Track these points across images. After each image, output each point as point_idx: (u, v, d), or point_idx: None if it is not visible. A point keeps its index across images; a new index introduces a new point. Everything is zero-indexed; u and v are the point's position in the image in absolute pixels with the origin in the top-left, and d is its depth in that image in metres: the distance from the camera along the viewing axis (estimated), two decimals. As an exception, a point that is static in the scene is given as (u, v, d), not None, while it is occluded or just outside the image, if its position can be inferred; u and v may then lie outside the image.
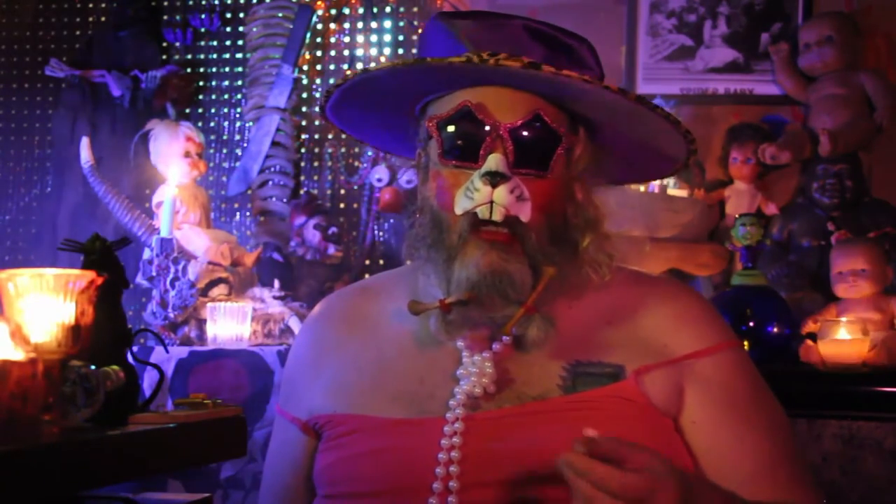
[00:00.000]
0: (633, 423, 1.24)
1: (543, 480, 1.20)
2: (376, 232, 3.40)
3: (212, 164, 3.46)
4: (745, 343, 2.66)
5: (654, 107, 1.30)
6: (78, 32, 3.70)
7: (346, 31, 3.51)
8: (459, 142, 1.27)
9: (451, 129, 1.27)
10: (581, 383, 1.25)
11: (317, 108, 3.50)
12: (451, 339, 1.28)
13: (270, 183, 3.45)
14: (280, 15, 3.47)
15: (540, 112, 1.26)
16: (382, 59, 3.45)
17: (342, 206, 3.46)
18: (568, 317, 1.31)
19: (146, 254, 2.96)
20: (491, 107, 1.26)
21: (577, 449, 1.06)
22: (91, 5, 3.71)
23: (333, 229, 3.24)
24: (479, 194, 1.22)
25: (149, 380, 2.12)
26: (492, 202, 1.22)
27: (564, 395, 1.24)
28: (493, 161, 1.22)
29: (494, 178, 1.21)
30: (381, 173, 3.34)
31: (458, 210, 1.24)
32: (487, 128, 1.25)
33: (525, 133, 1.25)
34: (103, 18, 3.68)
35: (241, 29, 3.57)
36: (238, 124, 3.56)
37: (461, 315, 1.26)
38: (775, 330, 2.71)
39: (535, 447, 1.21)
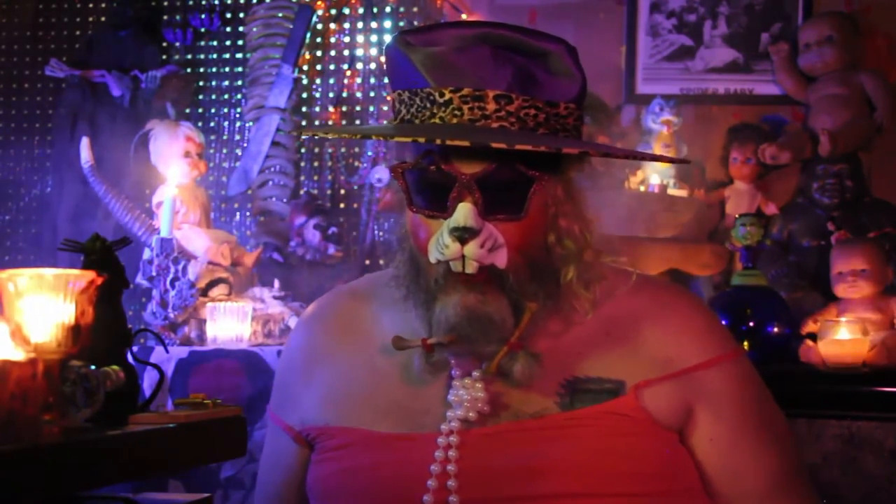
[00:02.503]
0: (632, 439, 1.21)
1: (539, 499, 1.19)
2: (376, 232, 3.40)
3: (212, 164, 3.46)
4: (745, 343, 2.66)
5: (623, 153, 1.29)
6: (78, 32, 3.70)
7: (346, 31, 3.52)
8: (426, 193, 1.22)
9: (416, 179, 1.22)
10: (579, 400, 1.22)
11: (317, 108, 3.50)
12: (436, 378, 1.25)
13: (270, 183, 3.45)
14: (280, 15, 3.47)
15: (509, 157, 1.19)
16: (382, 59, 3.44)
17: (342, 206, 3.47)
18: (563, 333, 1.28)
19: (146, 254, 2.96)
20: (456, 156, 1.19)
21: None
22: (91, 5, 3.71)
23: (333, 229, 3.24)
24: (448, 251, 1.17)
25: (149, 380, 2.12)
26: (463, 256, 1.18)
27: (562, 413, 1.22)
28: (462, 214, 1.16)
29: (463, 235, 1.16)
30: (381, 173, 3.34)
31: (432, 259, 1.21)
32: (453, 178, 1.18)
33: (494, 180, 1.18)
34: (103, 18, 3.69)
35: (241, 29, 3.58)
36: (238, 124, 3.56)
37: (444, 354, 1.23)
38: (775, 330, 2.71)
39: (532, 464, 1.19)
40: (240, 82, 3.58)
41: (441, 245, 1.18)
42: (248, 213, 3.52)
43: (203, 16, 3.55)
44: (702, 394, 1.26)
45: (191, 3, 3.61)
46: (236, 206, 3.54)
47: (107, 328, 1.23)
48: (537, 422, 1.22)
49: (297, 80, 3.44)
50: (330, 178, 3.47)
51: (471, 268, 1.18)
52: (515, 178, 1.20)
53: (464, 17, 3.48)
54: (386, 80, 3.43)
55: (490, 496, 1.19)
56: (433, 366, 1.23)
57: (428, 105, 1.21)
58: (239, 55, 3.59)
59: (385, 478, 1.24)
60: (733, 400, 1.28)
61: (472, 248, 1.17)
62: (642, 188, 3.23)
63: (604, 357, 1.26)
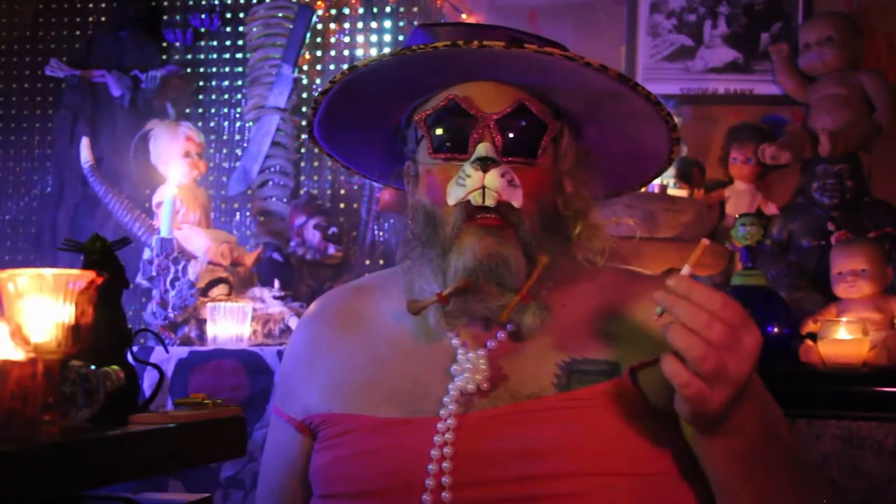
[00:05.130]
0: (629, 419, 1.23)
1: (537, 479, 1.20)
2: (376, 232, 3.40)
3: (212, 164, 3.46)
4: (745, 343, 2.65)
5: (636, 85, 1.31)
6: (78, 32, 3.71)
7: (346, 31, 3.52)
8: (449, 135, 1.30)
9: (439, 123, 1.30)
10: (576, 381, 1.25)
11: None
12: (452, 329, 1.29)
13: (270, 183, 3.45)
14: (280, 15, 3.47)
15: (524, 102, 1.29)
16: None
17: (342, 206, 3.47)
18: (562, 314, 1.32)
19: (146, 254, 2.96)
20: (477, 99, 1.29)
21: (671, 284, 1.10)
22: (91, 5, 3.72)
23: (333, 229, 3.24)
24: (470, 180, 1.24)
25: (149, 380, 2.12)
26: (484, 188, 1.23)
27: (559, 394, 1.25)
28: (483, 148, 1.25)
29: (485, 164, 1.24)
30: (381, 173, 3.34)
31: (451, 200, 1.26)
32: (475, 119, 1.28)
33: (511, 122, 1.29)
34: (103, 18, 3.69)
35: (241, 29, 3.58)
36: (238, 124, 3.56)
37: (459, 306, 1.27)
38: (775, 330, 2.70)
39: (529, 445, 1.21)
40: (240, 82, 3.58)
41: (463, 177, 1.25)
42: (248, 213, 3.52)
43: (203, 16, 3.55)
44: None
45: (191, 3, 3.61)
46: (236, 206, 3.55)
47: (107, 328, 1.23)
48: (534, 403, 1.25)
49: (297, 80, 3.44)
50: (330, 178, 3.47)
51: (490, 199, 1.24)
52: (531, 123, 1.29)
53: (464, 16, 3.48)
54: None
55: (488, 477, 1.21)
56: (449, 316, 1.27)
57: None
58: (239, 55, 3.59)
59: (384, 463, 1.26)
60: None
61: (492, 177, 1.24)
62: (642, 188, 3.23)
63: (599, 340, 1.30)
